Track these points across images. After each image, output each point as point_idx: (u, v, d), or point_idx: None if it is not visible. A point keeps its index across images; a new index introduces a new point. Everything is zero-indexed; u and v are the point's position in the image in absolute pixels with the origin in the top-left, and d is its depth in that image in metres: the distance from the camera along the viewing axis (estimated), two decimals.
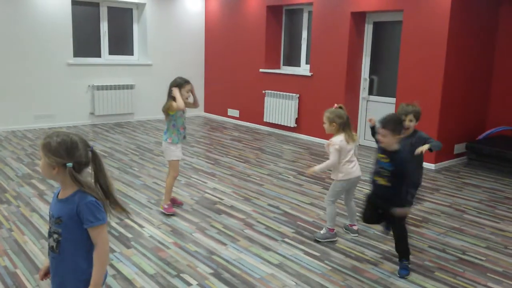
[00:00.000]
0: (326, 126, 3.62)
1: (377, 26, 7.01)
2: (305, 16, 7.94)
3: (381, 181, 3.16)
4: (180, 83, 4.07)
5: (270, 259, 3.37)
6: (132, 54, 9.07)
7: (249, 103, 8.74)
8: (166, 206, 4.19)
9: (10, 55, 7.44)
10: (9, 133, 7.42)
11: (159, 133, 7.72)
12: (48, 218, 1.97)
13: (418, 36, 6.03)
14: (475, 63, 6.25)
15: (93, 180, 1.85)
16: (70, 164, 1.75)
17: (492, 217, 4.36)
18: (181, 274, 3.11)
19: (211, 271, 3.17)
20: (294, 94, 7.76)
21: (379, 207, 3.29)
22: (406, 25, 6.18)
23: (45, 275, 1.98)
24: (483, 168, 6.06)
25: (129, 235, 3.70)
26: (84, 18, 8.38)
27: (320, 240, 3.68)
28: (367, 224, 3.79)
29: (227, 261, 3.32)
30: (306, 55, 7.98)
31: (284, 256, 3.42)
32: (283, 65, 8.51)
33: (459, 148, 6.37)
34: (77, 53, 8.22)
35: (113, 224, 3.85)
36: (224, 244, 3.59)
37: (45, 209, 4.15)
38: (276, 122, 8.15)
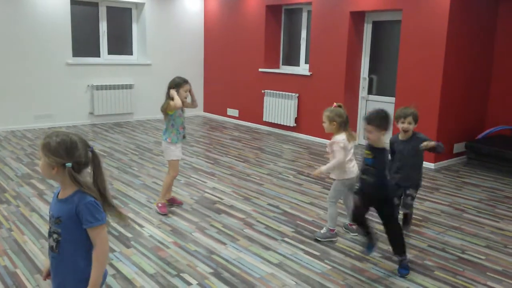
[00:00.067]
0: (326, 125, 3.61)
1: (376, 25, 7.01)
2: (304, 16, 7.94)
3: (368, 179, 3.13)
4: (178, 82, 4.07)
5: (270, 259, 3.37)
6: (131, 54, 9.07)
7: (248, 102, 8.74)
8: (160, 205, 4.18)
9: (10, 55, 7.43)
10: (9, 133, 7.42)
11: (159, 132, 7.72)
12: (48, 218, 1.97)
13: (417, 36, 6.04)
14: (474, 63, 6.25)
15: (91, 180, 1.84)
16: (69, 164, 1.75)
17: (492, 216, 4.37)
18: (181, 274, 3.11)
19: (211, 270, 3.17)
20: (294, 94, 7.76)
21: (371, 204, 3.22)
22: (405, 24, 6.18)
23: (48, 275, 1.97)
24: (483, 167, 6.07)
25: (129, 235, 3.70)
26: (83, 18, 8.38)
27: (320, 239, 3.68)
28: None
29: (227, 260, 3.32)
30: (306, 54, 7.98)
31: (284, 256, 3.42)
32: (282, 64, 8.51)
33: (458, 147, 6.38)
34: (76, 53, 8.21)
35: (113, 223, 3.85)
36: (224, 244, 3.59)
37: (44, 209, 4.15)
38: (276, 122, 8.15)
